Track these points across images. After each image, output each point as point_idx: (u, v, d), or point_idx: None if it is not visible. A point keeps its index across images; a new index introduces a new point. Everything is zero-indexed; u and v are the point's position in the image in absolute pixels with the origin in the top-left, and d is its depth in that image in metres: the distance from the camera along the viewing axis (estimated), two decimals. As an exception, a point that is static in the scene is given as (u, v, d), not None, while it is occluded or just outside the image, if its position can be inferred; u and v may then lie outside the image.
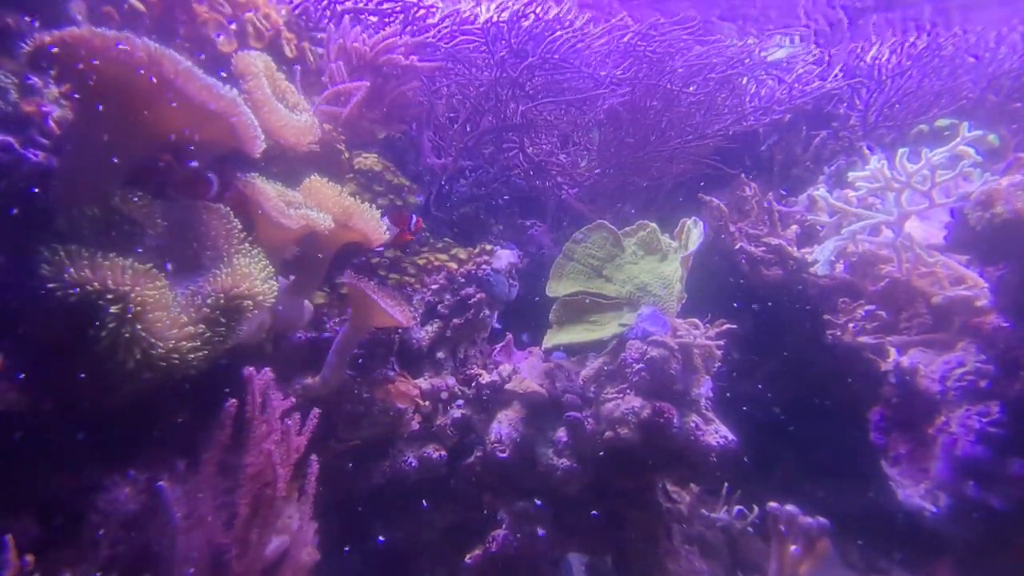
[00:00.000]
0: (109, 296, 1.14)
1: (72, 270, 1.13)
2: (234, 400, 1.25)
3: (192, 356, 1.24)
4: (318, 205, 1.66)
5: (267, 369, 1.34)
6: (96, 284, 1.13)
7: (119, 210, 1.28)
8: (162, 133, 1.34)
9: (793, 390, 2.49)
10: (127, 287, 1.15)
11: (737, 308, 2.43)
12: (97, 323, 1.15)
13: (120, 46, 1.15)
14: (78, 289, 1.13)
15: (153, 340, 1.17)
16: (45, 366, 1.25)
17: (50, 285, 1.13)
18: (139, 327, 1.16)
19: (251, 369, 1.31)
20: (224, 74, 1.69)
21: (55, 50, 1.16)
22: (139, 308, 1.16)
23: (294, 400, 1.40)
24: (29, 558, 1.07)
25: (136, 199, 1.33)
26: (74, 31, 1.16)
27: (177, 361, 1.21)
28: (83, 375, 1.25)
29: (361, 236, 1.73)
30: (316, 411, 1.41)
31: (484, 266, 2.23)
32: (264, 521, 1.25)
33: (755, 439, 2.06)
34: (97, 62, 1.17)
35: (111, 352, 1.16)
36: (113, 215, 1.27)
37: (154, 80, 1.20)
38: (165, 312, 1.21)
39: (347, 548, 1.95)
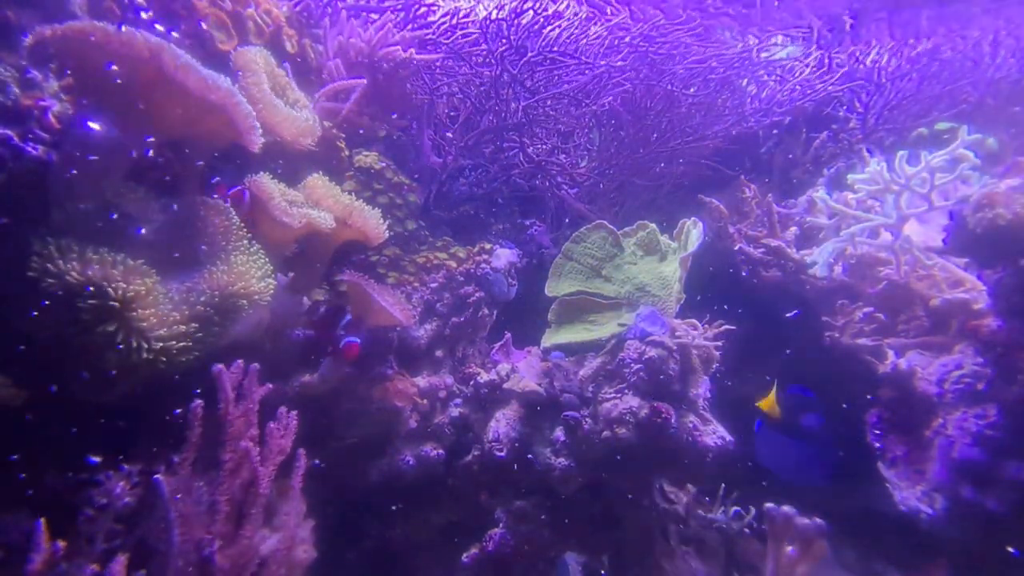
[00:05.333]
0: (91, 290, 1.13)
1: (60, 264, 1.12)
2: (200, 402, 1.22)
3: (183, 357, 1.23)
4: (318, 203, 1.67)
5: (239, 361, 1.31)
6: (78, 276, 1.12)
7: (114, 205, 1.28)
8: (161, 127, 1.34)
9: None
10: (115, 283, 1.14)
11: (735, 309, 2.43)
12: (84, 318, 1.14)
13: (120, 39, 1.15)
14: (64, 282, 1.12)
15: (136, 340, 1.16)
16: (40, 360, 1.24)
17: (36, 277, 1.12)
18: (121, 325, 1.15)
19: (220, 366, 1.28)
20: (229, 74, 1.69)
21: (55, 43, 1.16)
22: (122, 305, 1.15)
23: (271, 386, 1.37)
24: (61, 543, 1.07)
25: (132, 194, 1.33)
26: (74, 25, 1.16)
27: (164, 361, 1.20)
28: (76, 370, 1.25)
29: (361, 235, 1.73)
30: (295, 412, 1.40)
31: (483, 265, 2.22)
32: (249, 515, 1.25)
33: (753, 440, 2.06)
34: (96, 56, 1.17)
35: (96, 349, 1.15)
36: (108, 210, 1.27)
37: (153, 74, 1.19)
38: (154, 309, 1.20)
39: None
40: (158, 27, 1.65)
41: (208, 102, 1.26)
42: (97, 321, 1.13)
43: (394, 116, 2.28)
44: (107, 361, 1.16)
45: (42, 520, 1.05)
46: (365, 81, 2.05)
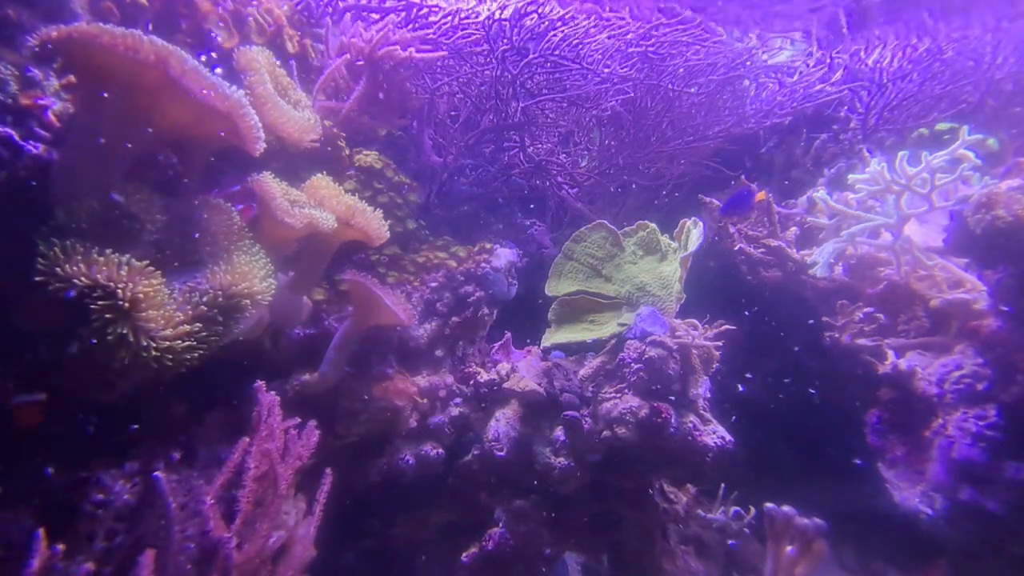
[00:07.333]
0: (98, 293, 1.13)
1: (67, 267, 1.12)
2: (246, 439, 1.31)
3: (187, 355, 1.23)
4: (320, 203, 1.67)
5: (273, 394, 1.42)
6: (86, 279, 1.12)
7: (118, 204, 1.28)
8: (165, 130, 1.33)
9: (791, 392, 2.50)
10: (121, 284, 1.14)
11: (736, 309, 2.43)
12: (90, 319, 1.14)
13: (127, 43, 1.15)
14: (70, 284, 1.12)
15: (145, 340, 1.16)
16: (42, 360, 1.24)
17: (42, 279, 1.12)
18: (129, 326, 1.15)
19: (261, 383, 1.38)
20: (220, 70, 1.69)
21: (61, 45, 1.16)
22: (131, 306, 1.15)
23: (299, 420, 1.46)
24: (60, 547, 1.09)
25: (135, 194, 1.32)
26: (81, 27, 1.15)
27: (170, 361, 1.20)
28: (78, 370, 1.25)
29: (363, 235, 1.73)
30: (319, 432, 1.50)
31: (483, 264, 2.23)
32: (265, 516, 1.26)
33: (753, 440, 2.06)
34: (102, 58, 1.16)
35: (103, 350, 1.15)
36: (112, 210, 1.27)
37: (159, 78, 1.19)
38: (160, 310, 1.20)
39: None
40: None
41: (214, 109, 1.26)
42: (107, 323, 1.13)
43: (394, 113, 2.28)
44: (113, 361, 1.16)
45: (41, 529, 1.07)
46: (349, 56, 2.04)
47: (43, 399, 1.25)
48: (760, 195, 2.27)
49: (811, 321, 2.35)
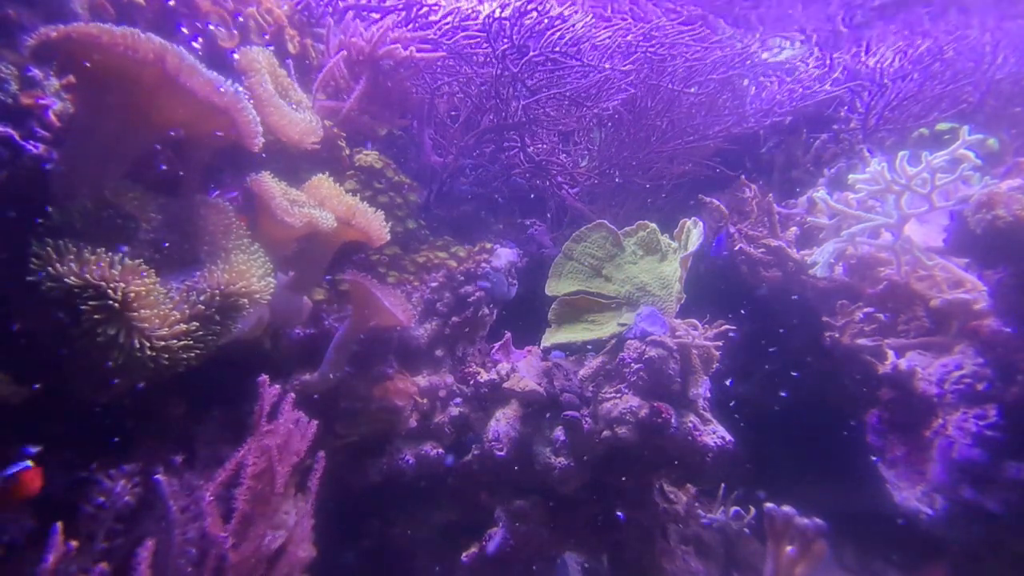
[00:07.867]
0: (89, 292, 1.13)
1: (58, 266, 1.12)
2: (252, 439, 1.29)
3: (184, 355, 1.23)
4: (321, 203, 1.67)
5: (277, 387, 1.40)
6: (76, 279, 1.12)
7: (112, 203, 1.28)
8: (163, 127, 1.34)
9: (791, 391, 2.50)
10: (113, 283, 1.14)
11: (736, 309, 2.43)
12: (85, 320, 1.14)
13: (126, 42, 1.15)
14: (63, 284, 1.11)
15: (138, 340, 1.16)
16: (40, 359, 1.24)
17: (35, 279, 1.12)
18: (122, 325, 1.14)
19: (265, 377, 1.36)
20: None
21: (60, 45, 1.16)
22: (123, 305, 1.15)
23: (304, 415, 1.45)
24: (74, 543, 1.10)
25: (131, 192, 1.32)
26: (79, 27, 1.16)
27: (167, 360, 1.20)
28: (75, 369, 1.25)
29: (363, 235, 1.73)
30: (315, 421, 1.49)
31: (484, 264, 2.22)
32: (263, 515, 1.26)
33: (753, 440, 2.06)
34: (101, 57, 1.17)
35: (98, 349, 1.15)
36: (106, 209, 1.27)
37: (157, 75, 1.19)
38: (154, 309, 1.20)
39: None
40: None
41: (212, 105, 1.27)
42: (98, 322, 1.13)
43: (394, 113, 2.28)
44: (108, 361, 1.15)
45: (59, 523, 1.08)
46: (347, 53, 2.04)
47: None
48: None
49: (810, 321, 2.34)
